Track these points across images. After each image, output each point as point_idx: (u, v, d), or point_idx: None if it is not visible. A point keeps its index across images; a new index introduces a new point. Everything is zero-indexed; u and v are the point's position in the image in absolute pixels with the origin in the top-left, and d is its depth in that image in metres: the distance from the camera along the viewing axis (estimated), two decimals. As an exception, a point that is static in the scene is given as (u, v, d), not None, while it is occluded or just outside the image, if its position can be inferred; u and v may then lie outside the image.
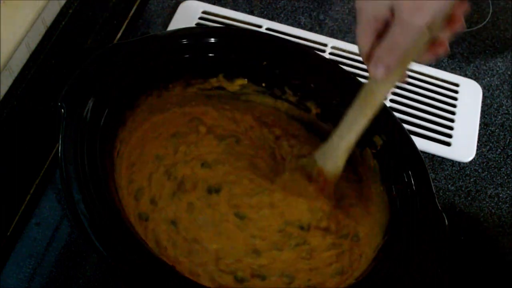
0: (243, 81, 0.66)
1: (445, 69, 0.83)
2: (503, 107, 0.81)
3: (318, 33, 0.83)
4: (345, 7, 0.88)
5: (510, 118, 0.80)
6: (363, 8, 0.49)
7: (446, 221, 0.56)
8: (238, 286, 0.55)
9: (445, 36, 0.49)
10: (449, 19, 0.48)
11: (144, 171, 0.60)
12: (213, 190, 0.61)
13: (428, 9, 0.45)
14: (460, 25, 0.49)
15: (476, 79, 0.82)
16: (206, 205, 0.60)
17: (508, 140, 0.78)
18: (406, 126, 0.70)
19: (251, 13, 0.85)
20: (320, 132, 0.66)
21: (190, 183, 0.61)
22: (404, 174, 0.59)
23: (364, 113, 0.55)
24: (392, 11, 0.47)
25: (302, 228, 0.59)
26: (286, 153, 0.66)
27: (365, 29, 0.49)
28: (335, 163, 0.59)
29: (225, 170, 0.63)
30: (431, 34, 0.48)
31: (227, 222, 0.59)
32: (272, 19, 0.84)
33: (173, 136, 0.64)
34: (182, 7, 0.83)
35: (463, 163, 0.75)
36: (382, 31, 0.49)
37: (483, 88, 0.81)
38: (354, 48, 0.82)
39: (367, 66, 0.51)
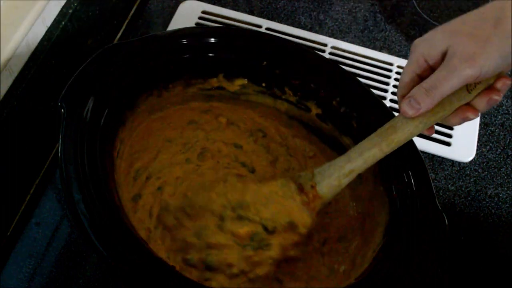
0: (243, 81, 0.66)
1: (445, 69, 0.83)
2: (503, 107, 0.81)
3: (318, 33, 0.83)
4: (345, 7, 0.88)
5: (510, 118, 0.80)
6: (417, 46, 0.50)
7: (446, 221, 0.56)
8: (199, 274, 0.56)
9: (480, 104, 0.50)
10: (489, 88, 0.49)
11: (148, 153, 0.62)
12: (248, 167, 0.63)
13: (480, 63, 0.45)
14: (497, 98, 0.49)
15: (476, 79, 0.82)
16: (222, 167, 0.61)
17: (508, 140, 0.78)
18: (406, 126, 0.70)
19: (251, 13, 0.85)
20: (320, 132, 0.66)
21: (210, 154, 0.63)
22: (404, 174, 0.59)
23: (379, 145, 0.54)
24: (443, 56, 0.47)
25: (265, 229, 0.57)
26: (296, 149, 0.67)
27: (412, 66, 0.50)
28: (333, 182, 0.57)
29: (260, 161, 0.64)
30: (470, 97, 0.49)
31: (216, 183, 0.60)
32: (272, 19, 0.84)
33: (189, 123, 0.65)
34: (182, 7, 0.83)
35: (463, 163, 0.75)
36: (426, 75, 0.49)
37: (483, 88, 0.81)
38: (354, 48, 0.82)
39: (400, 102, 0.51)
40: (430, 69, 0.49)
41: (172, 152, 0.63)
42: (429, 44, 0.49)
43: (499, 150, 0.77)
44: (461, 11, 0.90)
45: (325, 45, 0.82)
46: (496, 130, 0.79)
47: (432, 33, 0.49)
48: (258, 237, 0.57)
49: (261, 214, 0.57)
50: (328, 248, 0.60)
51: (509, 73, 0.81)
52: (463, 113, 0.50)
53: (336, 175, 0.57)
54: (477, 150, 0.75)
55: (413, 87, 0.50)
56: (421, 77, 0.50)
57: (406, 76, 0.50)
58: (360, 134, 0.62)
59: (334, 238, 0.61)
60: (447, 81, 0.47)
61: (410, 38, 0.86)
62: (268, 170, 0.64)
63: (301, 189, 0.59)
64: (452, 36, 0.47)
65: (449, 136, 0.76)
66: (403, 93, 0.51)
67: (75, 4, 0.68)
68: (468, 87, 0.49)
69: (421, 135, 0.74)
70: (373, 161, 0.55)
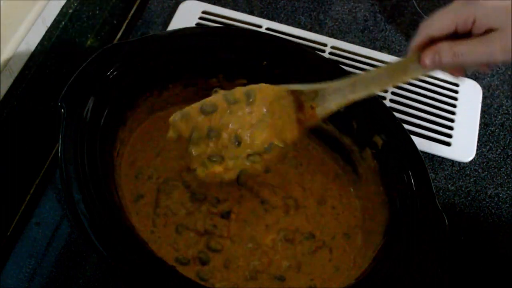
0: (243, 81, 0.65)
1: (445, 69, 0.83)
2: (503, 107, 0.81)
3: (318, 33, 0.83)
4: (345, 7, 0.88)
5: (510, 118, 0.80)
6: (475, 4, 0.48)
7: (446, 221, 0.56)
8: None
9: (471, 69, 0.53)
10: None
11: (150, 153, 0.62)
12: None
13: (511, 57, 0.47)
14: (487, 71, 0.54)
15: (476, 79, 0.82)
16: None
17: (508, 140, 0.78)
18: (406, 126, 0.70)
19: (251, 13, 0.85)
20: (320, 132, 0.66)
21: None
22: (404, 174, 0.59)
23: (386, 84, 0.54)
24: (488, 30, 0.47)
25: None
26: None
27: (459, 16, 0.49)
28: (332, 107, 0.58)
29: None
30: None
31: None
32: (272, 19, 0.84)
33: None
34: (182, 7, 0.83)
35: (463, 163, 0.75)
36: (459, 32, 0.49)
37: (483, 88, 0.81)
38: (354, 48, 0.82)
39: (420, 41, 0.51)
40: (468, 32, 0.49)
41: (177, 150, 0.63)
42: (486, 12, 0.48)
43: (499, 150, 0.77)
44: (461, 11, 0.90)
45: (325, 45, 0.82)
46: (496, 130, 0.79)
47: (493, 4, 0.48)
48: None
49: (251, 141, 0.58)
50: (336, 244, 0.60)
51: None
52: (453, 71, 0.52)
53: (338, 101, 0.57)
54: (477, 150, 0.75)
55: (442, 34, 0.49)
56: (456, 31, 0.49)
57: (446, 21, 0.49)
58: (360, 134, 0.62)
59: (341, 233, 0.61)
60: (477, 56, 0.48)
61: (410, 38, 0.86)
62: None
63: (300, 107, 0.59)
64: (509, 21, 0.47)
65: (449, 136, 0.76)
66: (430, 35, 0.50)
67: (75, 4, 0.68)
68: None
69: (421, 135, 0.75)
70: (372, 94, 0.56)
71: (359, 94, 0.56)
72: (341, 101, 0.57)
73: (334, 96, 0.57)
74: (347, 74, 0.66)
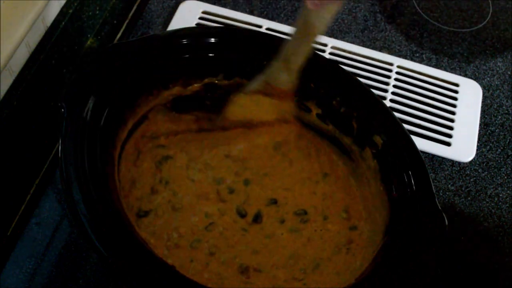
0: (243, 81, 0.65)
1: (445, 69, 0.83)
2: (503, 107, 0.81)
3: (318, 33, 0.83)
4: (345, 7, 0.88)
5: (510, 118, 0.80)
6: None
7: (446, 221, 0.56)
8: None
9: None
10: None
11: None
12: None
13: None
14: None
15: (476, 79, 0.82)
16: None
17: (508, 140, 0.78)
18: (406, 126, 0.70)
19: (251, 13, 0.85)
20: (320, 132, 0.66)
21: None
22: (404, 174, 0.59)
23: (309, 43, 0.58)
24: None
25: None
26: None
27: None
28: (288, 79, 0.61)
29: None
30: None
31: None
32: (272, 19, 0.84)
33: None
34: (182, 7, 0.83)
35: (463, 163, 0.75)
36: None
37: (483, 88, 0.81)
38: (354, 48, 0.82)
39: None
40: None
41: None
42: None
43: (499, 150, 0.77)
44: (461, 11, 0.90)
45: (325, 45, 0.82)
46: (496, 130, 0.79)
47: None
48: None
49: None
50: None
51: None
52: None
53: (288, 73, 0.61)
54: (477, 150, 0.75)
55: None
56: None
57: None
58: (360, 134, 0.62)
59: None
60: None
61: (410, 38, 0.86)
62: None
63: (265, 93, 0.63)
64: None
65: (449, 136, 0.76)
66: None
67: (75, 4, 0.68)
68: None
69: (421, 135, 0.75)
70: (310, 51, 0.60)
71: (298, 60, 0.59)
72: (290, 75, 0.61)
73: (281, 72, 0.61)
74: (347, 74, 0.67)
